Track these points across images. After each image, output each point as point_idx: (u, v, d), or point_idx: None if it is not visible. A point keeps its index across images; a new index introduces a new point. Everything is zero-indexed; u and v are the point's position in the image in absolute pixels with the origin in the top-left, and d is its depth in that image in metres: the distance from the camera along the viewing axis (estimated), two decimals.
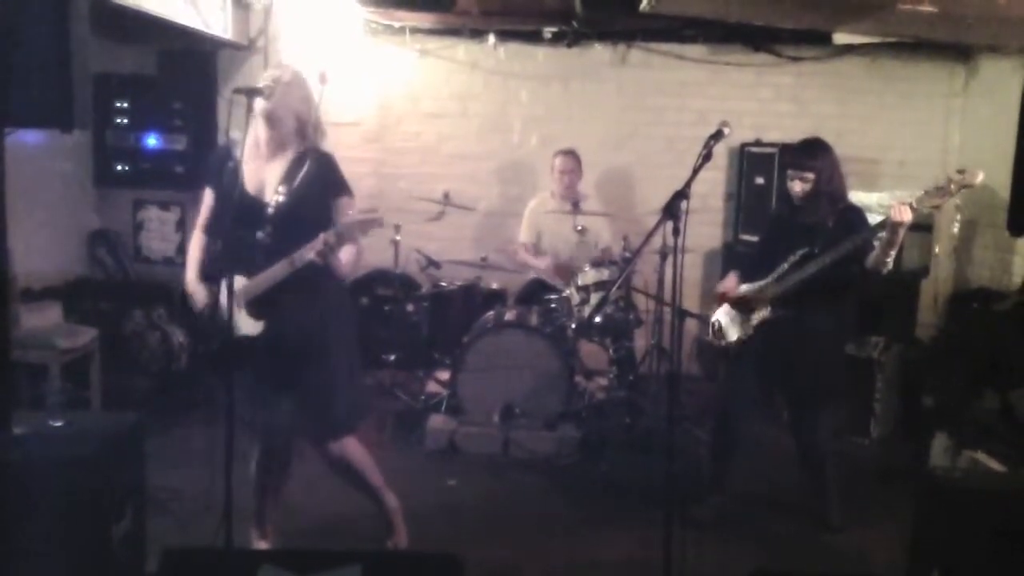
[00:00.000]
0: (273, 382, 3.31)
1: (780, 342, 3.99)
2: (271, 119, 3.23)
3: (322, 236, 3.09)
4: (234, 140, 3.28)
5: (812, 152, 3.99)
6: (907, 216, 3.60)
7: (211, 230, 3.42)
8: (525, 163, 6.69)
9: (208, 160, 3.54)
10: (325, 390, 3.39)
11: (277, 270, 3.17)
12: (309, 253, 3.10)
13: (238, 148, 3.18)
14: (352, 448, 3.54)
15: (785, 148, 5.75)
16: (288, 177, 3.26)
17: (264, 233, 3.22)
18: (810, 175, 3.93)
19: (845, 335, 4.26)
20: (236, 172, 3.18)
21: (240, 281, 3.18)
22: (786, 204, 4.11)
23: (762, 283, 4.04)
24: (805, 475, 4.29)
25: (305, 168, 3.26)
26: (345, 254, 3.24)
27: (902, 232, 3.67)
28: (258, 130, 3.25)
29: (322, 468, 3.89)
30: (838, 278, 3.89)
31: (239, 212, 3.15)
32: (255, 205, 3.24)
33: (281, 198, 3.23)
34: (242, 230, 3.20)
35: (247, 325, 3.24)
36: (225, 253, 3.17)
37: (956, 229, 6.55)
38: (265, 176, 3.28)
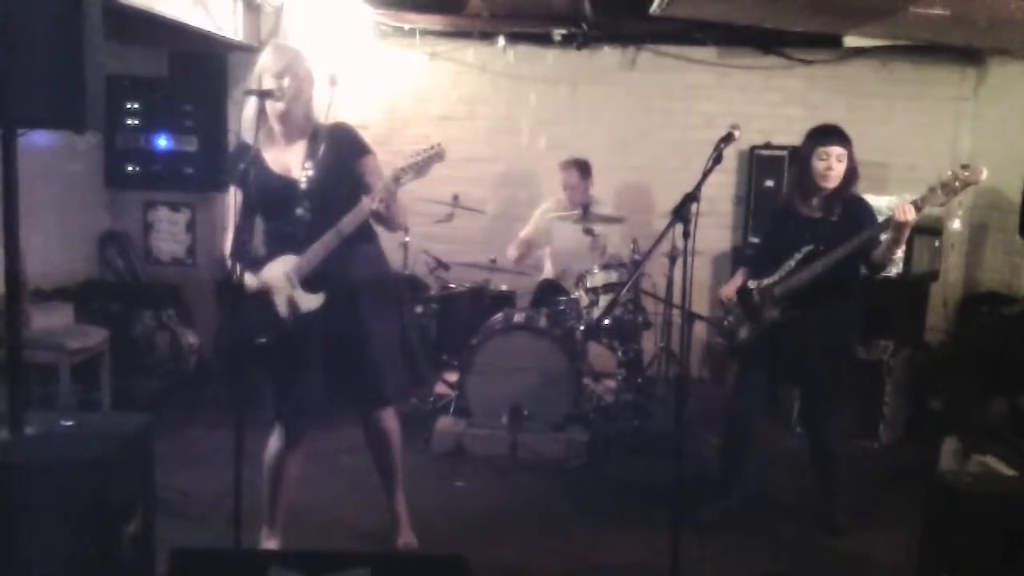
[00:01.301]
0: (331, 352, 3.37)
1: (791, 340, 3.96)
2: (285, 117, 3.30)
3: (380, 184, 3.26)
4: (248, 140, 3.34)
5: (843, 132, 3.94)
6: (911, 215, 3.56)
7: (246, 227, 3.43)
8: (534, 166, 6.69)
9: (230, 159, 3.60)
10: (383, 355, 3.48)
11: (327, 240, 3.27)
12: (373, 204, 3.22)
13: (251, 141, 3.27)
14: (394, 422, 3.68)
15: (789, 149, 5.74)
16: (311, 153, 3.36)
17: (303, 209, 3.32)
18: (845, 152, 3.87)
19: (855, 330, 4.23)
20: (259, 162, 3.27)
21: (289, 260, 3.29)
22: (801, 194, 4.02)
23: (770, 280, 4.02)
24: (814, 473, 4.27)
25: (325, 142, 3.36)
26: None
27: (907, 232, 3.64)
28: (272, 123, 3.31)
29: (330, 470, 3.92)
30: (846, 274, 3.86)
31: (272, 195, 3.24)
32: (287, 185, 3.33)
33: (310, 173, 3.33)
34: (280, 211, 3.31)
35: (306, 301, 3.32)
36: (270, 238, 3.32)
37: (966, 233, 6.54)
38: (288, 158, 3.37)
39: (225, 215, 3.51)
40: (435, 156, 3.27)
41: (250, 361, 3.26)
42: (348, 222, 3.27)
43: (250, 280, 3.27)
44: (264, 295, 3.31)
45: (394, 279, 3.73)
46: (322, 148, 3.35)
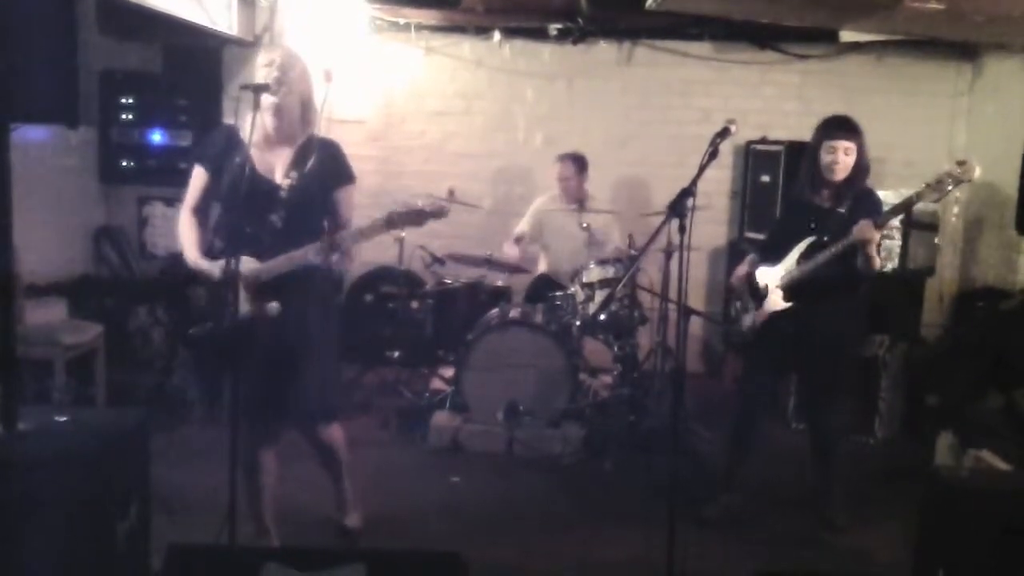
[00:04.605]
0: (278, 364, 3.33)
1: (795, 332, 3.95)
2: (278, 112, 3.24)
3: (344, 223, 3.27)
4: (235, 125, 3.30)
5: (853, 124, 3.90)
6: (869, 234, 3.59)
7: (202, 211, 3.39)
8: (530, 162, 6.69)
9: (206, 139, 3.52)
10: (325, 371, 3.47)
11: (294, 257, 3.20)
12: (319, 258, 3.14)
13: (242, 132, 3.22)
14: (339, 434, 3.69)
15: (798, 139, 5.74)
16: (298, 163, 3.29)
17: (277, 216, 3.25)
18: (854, 145, 3.84)
19: (859, 325, 4.20)
20: (243, 153, 3.17)
21: (249, 262, 3.21)
22: (809, 186, 3.99)
23: (772, 270, 4.02)
24: (813, 466, 4.26)
25: (314, 156, 3.31)
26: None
27: (870, 248, 3.63)
28: (264, 120, 3.23)
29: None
30: (851, 268, 3.81)
31: (249, 193, 3.13)
32: (267, 187, 3.26)
33: (293, 183, 3.26)
34: (253, 211, 3.21)
35: (256, 309, 3.24)
36: (233, 232, 3.20)
37: (962, 228, 6.54)
38: (273, 160, 3.31)
39: (183, 197, 3.42)
40: (437, 214, 3.23)
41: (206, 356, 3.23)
42: (314, 252, 3.19)
43: (210, 266, 3.23)
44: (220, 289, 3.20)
45: (337, 299, 3.68)
46: (311, 162, 3.29)
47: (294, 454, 3.73)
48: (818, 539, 4.09)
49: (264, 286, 3.23)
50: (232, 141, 3.29)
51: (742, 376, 4.40)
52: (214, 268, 3.22)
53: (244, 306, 3.23)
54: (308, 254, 3.18)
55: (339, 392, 3.58)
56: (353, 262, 3.37)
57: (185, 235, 3.36)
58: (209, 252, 3.30)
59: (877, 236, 3.61)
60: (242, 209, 3.15)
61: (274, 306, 3.23)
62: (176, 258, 3.38)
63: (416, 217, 3.21)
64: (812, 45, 6.48)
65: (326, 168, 3.33)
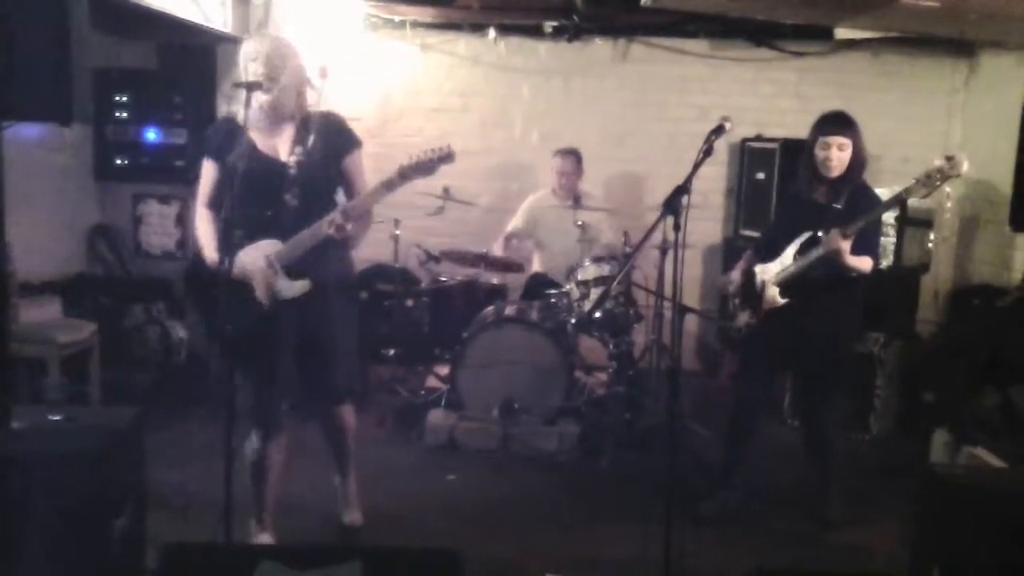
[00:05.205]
0: (304, 342, 3.37)
1: (791, 328, 3.96)
2: (273, 106, 3.25)
3: (358, 187, 3.35)
4: (234, 113, 3.30)
5: (848, 120, 3.89)
6: (837, 244, 3.63)
7: (216, 203, 3.39)
8: (526, 159, 6.68)
9: (209, 132, 3.52)
10: (348, 348, 3.53)
11: (316, 231, 3.21)
12: (330, 230, 3.17)
13: (241, 121, 3.21)
14: (352, 417, 3.73)
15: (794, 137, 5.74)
16: (301, 139, 3.31)
17: (291, 195, 3.27)
18: (849, 141, 3.84)
19: (855, 322, 4.22)
20: (246, 141, 3.18)
21: (273, 245, 3.24)
22: (806, 182, 4.00)
23: (770, 266, 4.03)
24: (808, 462, 4.26)
25: (315, 129, 3.33)
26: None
27: (842, 258, 3.68)
28: (259, 113, 3.23)
29: (321, 464, 3.91)
30: (841, 265, 3.83)
31: (259, 177, 3.15)
32: (276, 168, 3.27)
33: (300, 159, 3.28)
34: (267, 194, 3.23)
35: (289, 288, 3.27)
36: (251, 219, 3.20)
37: (957, 224, 6.55)
38: (276, 142, 3.32)
39: (196, 194, 3.43)
40: (445, 158, 3.21)
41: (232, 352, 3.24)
42: (329, 222, 3.21)
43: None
44: (240, 281, 3.22)
45: (354, 278, 3.71)
46: (312, 135, 3.31)
47: (294, 451, 3.71)
48: (814, 536, 4.09)
49: (291, 266, 3.25)
50: (234, 131, 3.28)
51: (738, 373, 4.41)
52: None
53: (263, 294, 3.27)
54: (324, 226, 3.19)
55: (357, 371, 3.62)
56: (368, 228, 3.40)
57: (203, 232, 3.37)
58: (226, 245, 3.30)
59: (846, 246, 3.64)
60: (255, 194, 3.16)
61: (303, 283, 3.25)
62: (197, 259, 3.37)
63: (427, 165, 3.21)
64: (808, 42, 6.47)
65: (330, 139, 3.36)
